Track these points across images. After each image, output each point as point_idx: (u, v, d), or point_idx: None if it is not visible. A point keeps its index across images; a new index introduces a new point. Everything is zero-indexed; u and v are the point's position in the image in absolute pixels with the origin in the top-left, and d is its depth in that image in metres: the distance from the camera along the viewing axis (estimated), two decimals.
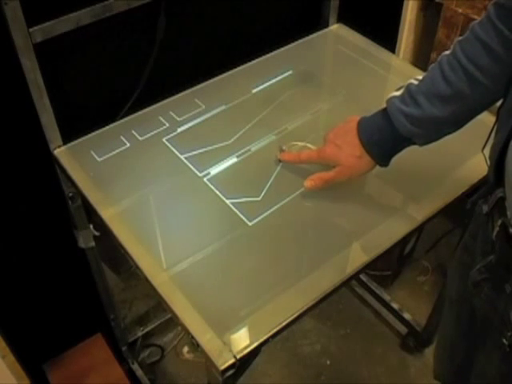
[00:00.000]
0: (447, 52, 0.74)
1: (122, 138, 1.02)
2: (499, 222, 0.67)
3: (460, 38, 0.73)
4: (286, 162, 0.95)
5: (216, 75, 1.15)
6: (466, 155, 0.98)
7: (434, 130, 0.78)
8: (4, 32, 0.82)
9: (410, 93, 0.77)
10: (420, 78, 0.77)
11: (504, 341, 0.68)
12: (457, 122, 0.78)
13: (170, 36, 1.07)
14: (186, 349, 1.55)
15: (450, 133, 0.79)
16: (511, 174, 0.63)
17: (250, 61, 1.20)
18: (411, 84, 0.77)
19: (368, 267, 0.83)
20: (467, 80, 0.71)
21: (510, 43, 0.67)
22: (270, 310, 0.75)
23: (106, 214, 0.89)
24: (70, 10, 0.88)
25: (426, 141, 0.80)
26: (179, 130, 1.04)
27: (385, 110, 0.80)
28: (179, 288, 0.78)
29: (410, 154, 0.99)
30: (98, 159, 0.98)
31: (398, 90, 0.80)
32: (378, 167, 0.84)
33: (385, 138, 0.80)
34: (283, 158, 0.95)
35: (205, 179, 0.94)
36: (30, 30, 0.84)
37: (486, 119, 1.05)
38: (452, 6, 1.37)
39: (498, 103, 0.71)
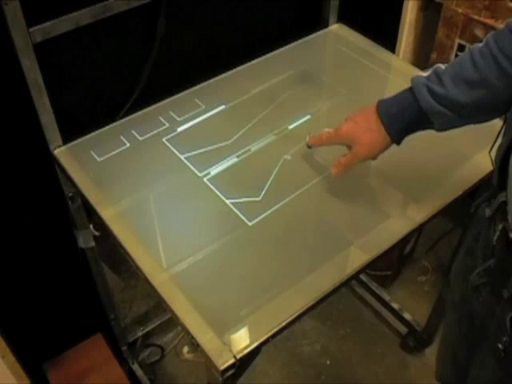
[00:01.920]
0: (480, 44, 0.74)
1: (121, 137, 1.02)
2: (500, 226, 0.66)
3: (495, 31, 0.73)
4: (314, 146, 0.95)
5: (216, 75, 1.15)
6: (466, 155, 0.98)
7: (453, 113, 0.76)
8: (4, 32, 0.82)
9: (436, 72, 0.76)
10: (447, 64, 0.77)
11: (499, 346, 0.68)
12: (477, 112, 0.76)
13: (169, 36, 1.07)
14: (185, 349, 1.55)
15: (467, 123, 0.78)
16: None
17: (249, 61, 1.20)
18: (439, 67, 0.77)
19: (368, 267, 0.83)
20: (496, 69, 0.70)
21: None
22: (270, 310, 0.75)
23: (106, 214, 0.89)
24: (69, 9, 0.88)
25: (443, 124, 0.78)
26: (179, 129, 1.04)
27: (408, 88, 0.79)
28: (179, 288, 0.78)
29: (410, 154, 0.99)
30: (98, 159, 0.98)
31: (427, 71, 0.79)
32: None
33: (404, 109, 0.79)
34: (310, 142, 0.95)
35: (205, 179, 0.94)
36: (30, 30, 0.84)
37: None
38: (452, 6, 1.37)
39: None
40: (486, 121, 0.77)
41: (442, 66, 0.76)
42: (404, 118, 0.80)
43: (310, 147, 0.96)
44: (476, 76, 0.72)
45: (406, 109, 0.79)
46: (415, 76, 0.78)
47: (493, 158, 0.71)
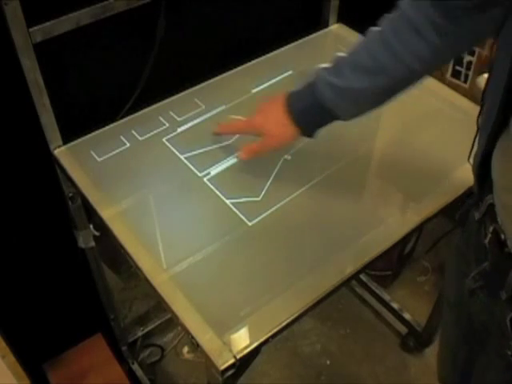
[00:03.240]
0: (376, 28, 0.75)
1: (121, 137, 1.02)
2: (491, 228, 0.66)
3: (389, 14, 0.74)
4: (221, 134, 0.98)
5: (216, 75, 1.15)
6: (466, 155, 0.98)
7: (353, 103, 0.78)
8: (4, 32, 0.82)
9: (335, 62, 0.78)
10: (349, 50, 0.78)
11: (508, 352, 0.68)
12: (376, 99, 0.78)
13: (169, 36, 1.07)
14: (186, 349, 1.55)
15: (369, 109, 0.79)
16: (498, 184, 0.63)
17: (249, 61, 1.20)
18: (339, 56, 0.78)
19: (368, 267, 0.83)
20: (389, 55, 0.71)
21: (441, 28, 0.67)
22: (270, 310, 0.75)
23: (106, 214, 0.89)
24: (70, 9, 0.88)
25: (347, 115, 0.80)
26: (179, 130, 1.04)
27: (312, 80, 0.80)
28: (179, 288, 0.78)
29: (409, 154, 0.99)
30: (98, 159, 0.98)
31: (328, 62, 0.81)
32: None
33: (308, 106, 0.81)
34: (217, 130, 0.98)
35: (205, 179, 0.94)
36: (30, 29, 0.84)
37: None
38: None
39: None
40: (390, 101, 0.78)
41: (343, 54, 0.78)
42: (310, 113, 0.81)
43: (217, 134, 0.98)
44: (371, 63, 0.74)
45: (310, 107, 0.80)
46: (318, 70, 0.79)
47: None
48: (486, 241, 0.67)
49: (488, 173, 0.66)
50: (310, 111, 0.81)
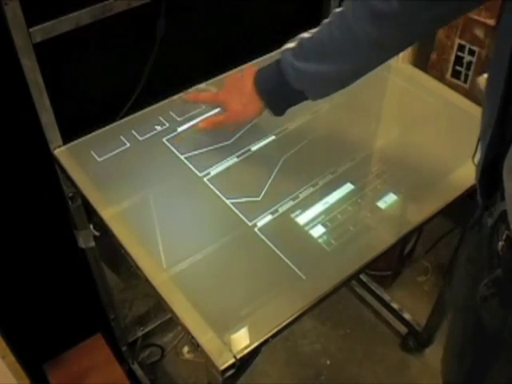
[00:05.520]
0: (339, 9, 0.75)
1: (121, 137, 1.02)
2: (504, 235, 0.66)
3: None
4: (188, 101, 1.01)
5: (216, 75, 1.15)
6: (466, 155, 0.98)
7: (319, 85, 0.79)
8: (4, 32, 0.82)
9: (300, 44, 0.78)
10: (314, 30, 0.78)
11: None
12: (341, 81, 0.79)
13: (169, 36, 1.07)
14: (186, 349, 1.55)
15: (336, 90, 0.81)
16: (511, 192, 0.63)
17: (250, 61, 1.19)
18: (303, 37, 0.78)
19: (368, 267, 0.83)
20: (351, 39, 0.72)
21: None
22: (270, 310, 0.75)
23: (106, 214, 0.89)
24: (70, 9, 0.88)
25: (315, 96, 0.81)
26: (179, 129, 1.04)
27: (278, 60, 0.81)
28: (179, 288, 0.78)
29: (409, 154, 0.99)
30: (98, 159, 0.98)
31: (293, 41, 0.81)
32: None
33: (276, 87, 0.82)
34: (188, 97, 1.01)
35: (205, 179, 0.94)
36: (30, 29, 0.84)
37: None
38: None
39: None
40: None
41: (307, 36, 0.78)
42: (280, 94, 0.83)
43: (184, 101, 1.01)
44: (333, 47, 0.74)
45: (280, 88, 0.82)
46: (284, 51, 0.80)
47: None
48: (499, 247, 0.67)
49: (495, 180, 0.65)
50: (278, 91, 0.83)
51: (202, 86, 1.07)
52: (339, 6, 1.26)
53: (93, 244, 1.15)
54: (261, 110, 0.88)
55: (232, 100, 0.89)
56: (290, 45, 0.80)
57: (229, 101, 0.90)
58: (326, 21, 0.77)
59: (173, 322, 0.94)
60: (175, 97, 1.11)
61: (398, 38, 0.73)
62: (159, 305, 0.80)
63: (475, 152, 0.73)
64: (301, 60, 0.77)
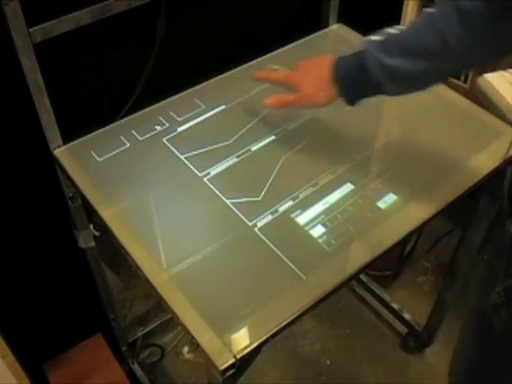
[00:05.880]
0: (429, 9, 0.74)
1: (121, 137, 1.02)
2: None
3: None
4: (258, 80, 1.00)
5: (216, 75, 1.15)
6: (465, 156, 0.98)
7: (400, 82, 0.78)
8: (4, 32, 0.82)
9: (385, 39, 0.78)
10: (401, 27, 0.78)
11: None
12: (422, 81, 0.78)
13: (169, 36, 1.07)
14: (186, 349, 1.55)
15: (416, 90, 0.80)
16: None
17: (250, 61, 1.20)
18: (390, 32, 0.78)
19: (368, 267, 0.83)
20: (438, 39, 0.71)
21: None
22: (270, 310, 0.75)
23: (106, 214, 0.89)
24: (70, 10, 0.88)
25: (393, 92, 0.81)
26: (179, 129, 1.04)
27: (362, 51, 0.81)
28: (179, 288, 0.78)
29: (409, 154, 0.99)
30: (98, 159, 0.98)
31: (378, 35, 0.81)
32: None
33: (355, 77, 0.81)
34: (256, 75, 1.00)
35: (205, 179, 0.94)
36: (30, 29, 0.84)
37: (491, 121, 1.06)
38: None
39: None
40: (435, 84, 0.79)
41: (394, 31, 0.78)
42: (358, 85, 0.82)
43: (254, 80, 1.00)
44: (420, 47, 0.73)
45: (359, 77, 0.80)
46: (368, 43, 0.79)
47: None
48: None
49: None
50: (356, 81, 0.81)
51: (276, 66, 1.04)
52: (339, 6, 1.28)
53: (93, 244, 1.15)
54: (333, 98, 0.86)
55: (306, 83, 0.87)
56: (375, 37, 0.80)
57: (302, 83, 0.88)
58: (414, 19, 0.77)
59: (173, 321, 0.94)
60: (175, 97, 1.11)
61: (487, 40, 0.70)
62: (159, 305, 0.80)
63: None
64: (385, 54, 0.76)
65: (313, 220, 0.88)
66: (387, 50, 0.76)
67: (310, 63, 0.89)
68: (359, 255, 0.83)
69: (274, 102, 0.93)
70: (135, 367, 1.48)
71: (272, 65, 1.06)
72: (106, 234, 0.90)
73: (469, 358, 0.94)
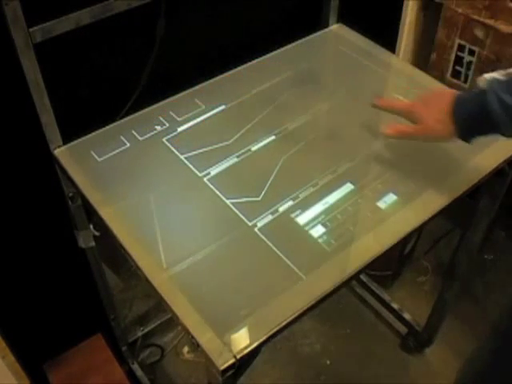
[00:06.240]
0: None
1: (122, 137, 1.02)
2: None
3: None
4: (379, 108, 0.98)
5: (216, 75, 1.15)
6: (466, 156, 0.98)
7: None
8: (4, 32, 0.82)
9: (509, 80, 0.77)
10: None
11: None
12: None
13: (169, 36, 1.07)
14: (186, 349, 1.55)
15: None
16: None
17: (249, 61, 1.20)
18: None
19: (368, 267, 0.83)
20: None
21: None
22: (270, 310, 0.75)
23: (106, 214, 0.89)
24: (70, 9, 0.88)
25: (510, 134, 0.80)
26: (179, 129, 1.04)
27: (484, 91, 0.80)
28: (179, 288, 0.78)
29: (409, 154, 0.99)
30: (98, 159, 0.98)
31: (500, 73, 0.80)
32: None
33: (473, 114, 0.81)
34: (377, 102, 0.97)
35: (205, 179, 0.94)
36: (30, 29, 0.84)
37: None
38: (452, 6, 1.37)
39: None
40: None
41: None
42: (475, 122, 0.82)
43: (374, 106, 0.98)
44: None
45: (478, 115, 0.80)
46: (490, 81, 0.79)
47: None
48: None
49: None
50: (475, 119, 0.81)
51: (396, 96, 1.04)
52: (339, 6, 1.28)
53: (93, 244, 1.15)
54: (451, 134, 0.84)
55: (427, 114, 0.87)
56: (497, 75, 0.79)
57: (424, 114, 0.87)
58: None
59: (173, 321, 0.94)
60: (175, 97, 1.11)
61: None
62: (159, 305, 0.80)
63: None
64: (507, 94, 0.76)
65: (313, 220, 0.88)
66: (508, 89, 0.76)
67: (432, 96, 0.89)
68: (359, 255, 0.83)
69: (393, 132, 0.93)
70: (135, 367, 1.48)
71: (395, 95, 1.05)
72: (105, 234, 0.90)
73: (480, 374, 0.94)
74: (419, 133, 0.89)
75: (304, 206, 0.90)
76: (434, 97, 0.88)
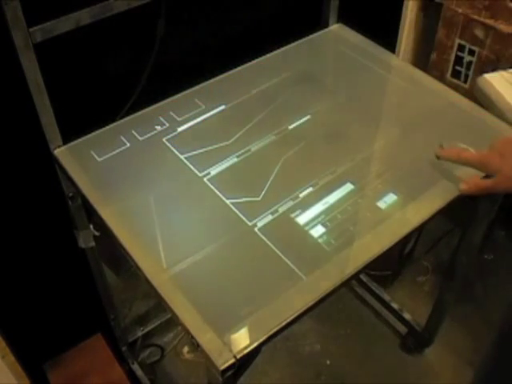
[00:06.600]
0: None
1: (122, 137, 1.02)
2: None
3: None
4: (444, 159, 0.92)
5: (216, 75, 1.15)
6: None
7: None
8: (4, 32, 0.82)
9: None
10: None
11: None
12: None
13: (169, 36, 1.07)
14: (186, 349, 1.55)
15: None
16: None
17: (249, 61, 1.20)
18: None
19: (368, 267, 0.83)
20: None
21: None
22: (270, 310, 0.75)
23: (106, 213, 0.89)
24: (70, 10, 0.88)
25: None
26: (179, 129, 1.04)
27: None
28: (179, 288, 0.78)
29: (409, 154, 0.99)
30: (98, 159, 0.98)
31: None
32: None
33: None
34: (440, 153, 0.92)
35: (205, 179, 0.94)
36: (30, 29, 0.84)
37: (491, 121, 1.06)
38: (452, 6, 1.37)
39: None
40: None
41: None
42: None
43: (438, 158, 0.93)
44: None
45: None
46: None
47: None
48: None
49: None
50: None
51: (463, 145, 0.95)
52: (339, 6, 1.28)
53: (93, 244, 1.15)
54: None
55: (505, 164, 0.81)
56: None
57: (501, 165, 0.81)
58: None
59: (173, 321, 0.94)
60: (175, 97, 1.11)
61: None
62: (159, 305, 0.80)
63: None
64: None
65: (313, 220, 0.88)
66: None
67: (506, 144, 0.83)
68: (359, 255, 0.83)
69: (470, 188, 0.86)
70: (135, 367, 1.48)
71: (460, 144, 0.96)
72: (105, 234, 0.90)
73: (486, 376, 0.94)
74: (500, 186, 0.83)
75: (304, 206, 0.90)
76: (508, 145, 0.83)
